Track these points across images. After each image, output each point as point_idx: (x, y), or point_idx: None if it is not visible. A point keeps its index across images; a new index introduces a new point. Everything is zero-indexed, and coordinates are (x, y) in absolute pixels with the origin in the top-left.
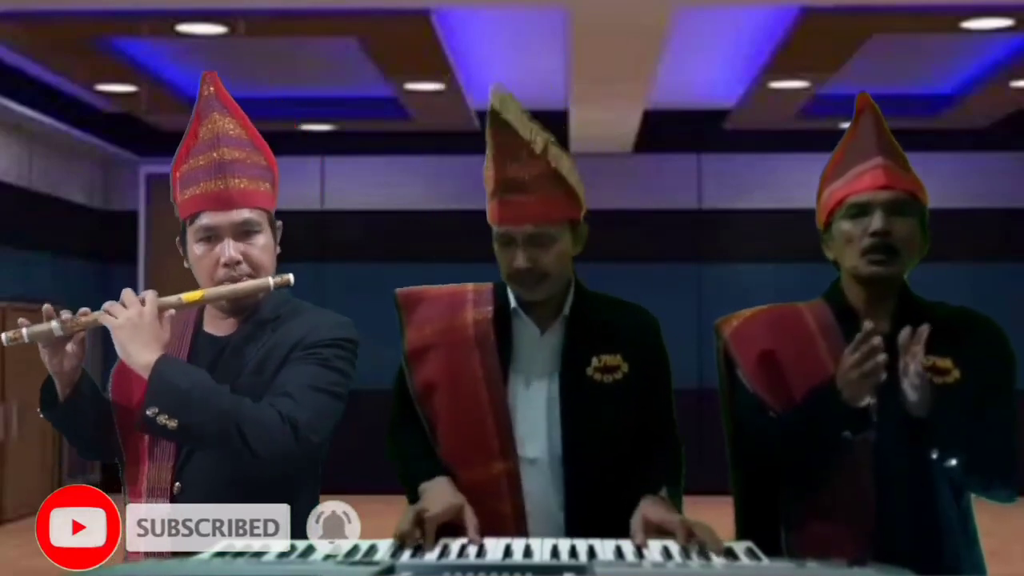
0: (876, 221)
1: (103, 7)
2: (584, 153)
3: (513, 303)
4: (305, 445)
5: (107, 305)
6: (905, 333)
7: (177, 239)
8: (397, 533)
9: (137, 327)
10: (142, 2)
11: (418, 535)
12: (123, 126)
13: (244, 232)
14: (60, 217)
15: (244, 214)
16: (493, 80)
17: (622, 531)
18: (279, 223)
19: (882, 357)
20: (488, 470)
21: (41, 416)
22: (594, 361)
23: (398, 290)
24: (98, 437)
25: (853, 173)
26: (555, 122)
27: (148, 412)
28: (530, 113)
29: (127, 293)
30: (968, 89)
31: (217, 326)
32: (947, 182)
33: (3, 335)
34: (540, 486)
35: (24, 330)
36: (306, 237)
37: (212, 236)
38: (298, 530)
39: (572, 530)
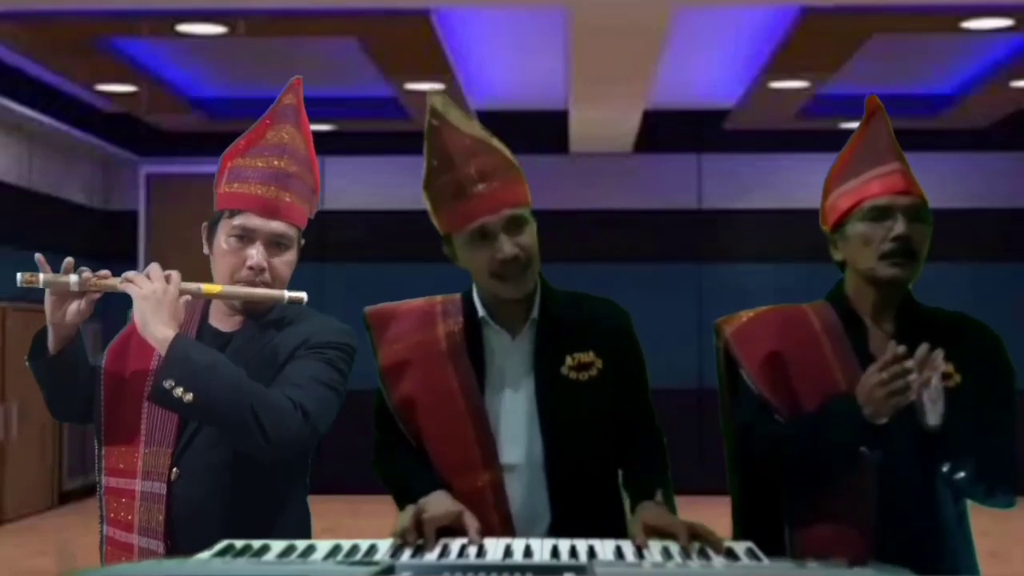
0: (900, 226)
1: (103, 7)
2: (584, 153)
3: (481, 312)
4: (312, 433)
5: (130, 274)
6: (923, 350)
7: (206, 224)
8: (396, 530)
9: (160, 302)
10: (142, 2)
11: (417, 535)
12: (123, 126)
13: (276, 243)
14: (60, 217)
15: (282, 227)
16: (493, 80)
17: (607, 529)
18: (302, 240)
19: (912, 378)
20: (473, 481)
21: (27, 365)
22: (568, 360)
23: (367, 309)
24: (76, 399)
25: (869, 176)
26: (555, 122)
27: (164, 384)
28: (527, 113)
29: (155, 267)
30: (968, 89)
31: (223, 321)
32: (947, 182)
33: (19, 275)
34: (522, 492)
35: (42, 275)
36: (306, 237)
37: (245, 237)
38: (291, 528)
39: (557, 531)
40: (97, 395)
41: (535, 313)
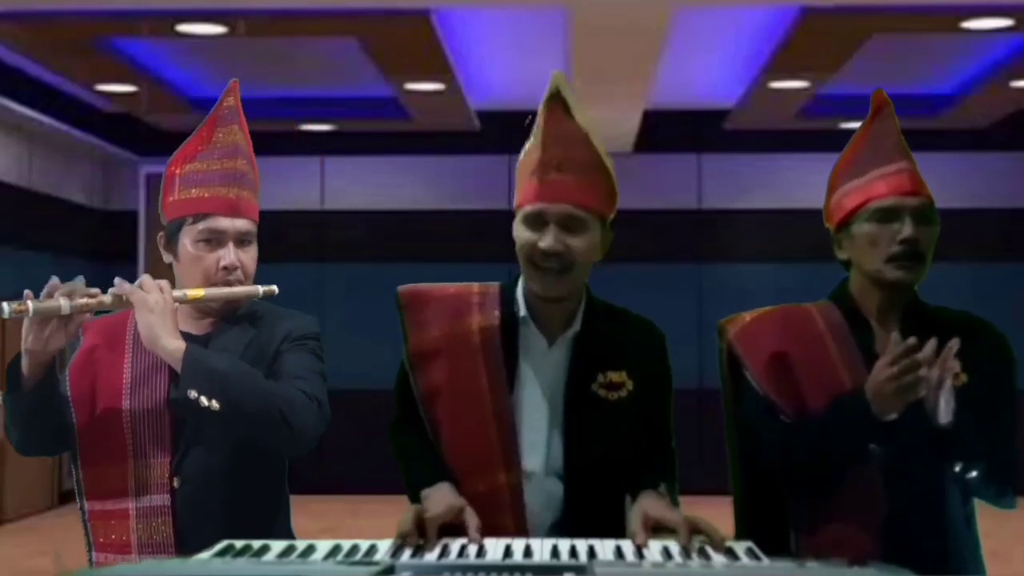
0: (907, 228)
1: (103, 7)
2: None
3: (523, 311)
4: (325, 421)
5: (124, 288)
6: (932, 345)
7: (161, 235)
8: (398, 532)
9: (165, 313)
10: (142, 2)
11: (418, 536)
12: (123, 126)
13: (242, 241)
14: (60, 217)
15: (247, 224)
16: (493, 80)
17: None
18: None
19: (923, 372)
20: (491, 482)
21: (1, 400)
22: (599, 377)
23: (400, 288)
24: (53, 430)
25: (875, 175)
26: None
27: (189, 394)
28: (527, 113)
29: (147, 279)
30: (968, 89)
31: (193, 325)
32: (947, 182)
33: (5, 305)
34: (536, 500)
35: (30, 303)
36: (306, 237)
37: (214, 240)
38: (282, 520)
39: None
40: (69, 420)
41: (577, 326)
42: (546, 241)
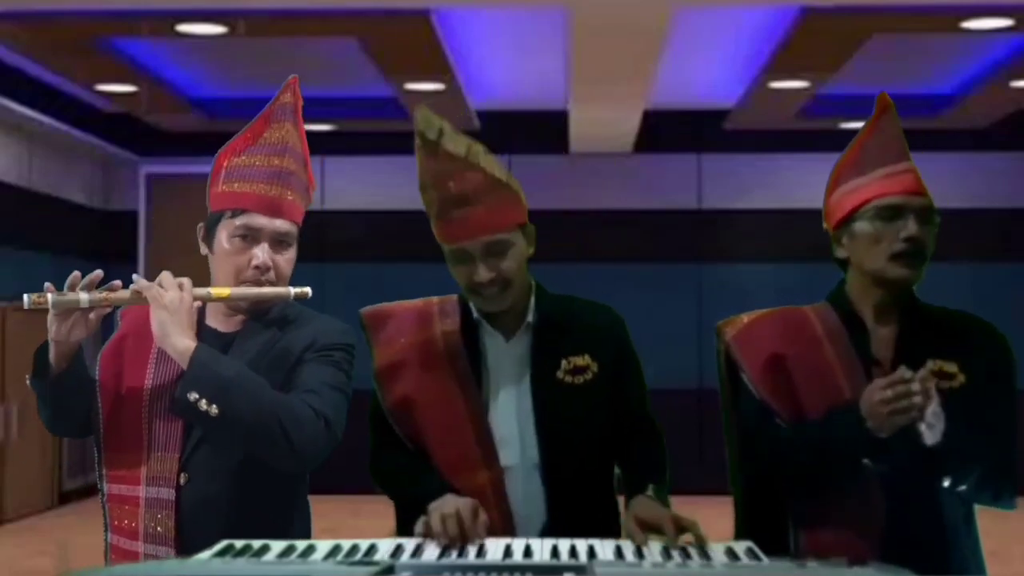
0: (911, 226)
1: (103, 7)
2: (584, 153)
3: (475, 314)
4: (333, 440)
5: (143, 284)
6: (925, 372)
7: (201, 225)
8: (451, 534)
9: (178, 311)
10: (142, 2)
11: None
12: (123, 126)
13: (279, 242)
14: (60, 217)
15: (286, 225)
16: (493, 80)
17: (603, 531)
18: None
19: (917, 400)
20: (473, 480)
21: (29, 383)
22: (563, 364)
23: (363, 310)
24: (79, 414)
25: (880, 174)
26: (555, 122)
27: (189, 397)
28: (527, 113)
29: (167, 276)
30: (968, 89)
31: (222, 322)
32: (947, 182)
33: (26, 296)
34: (517, 493)
35: (50, 295)
36: (306, 237)
37: (249, 237)
38: (296, 525)
39: (552, 533)
40: (95, 404)
41: (530, 317)
42: (480, 275)
